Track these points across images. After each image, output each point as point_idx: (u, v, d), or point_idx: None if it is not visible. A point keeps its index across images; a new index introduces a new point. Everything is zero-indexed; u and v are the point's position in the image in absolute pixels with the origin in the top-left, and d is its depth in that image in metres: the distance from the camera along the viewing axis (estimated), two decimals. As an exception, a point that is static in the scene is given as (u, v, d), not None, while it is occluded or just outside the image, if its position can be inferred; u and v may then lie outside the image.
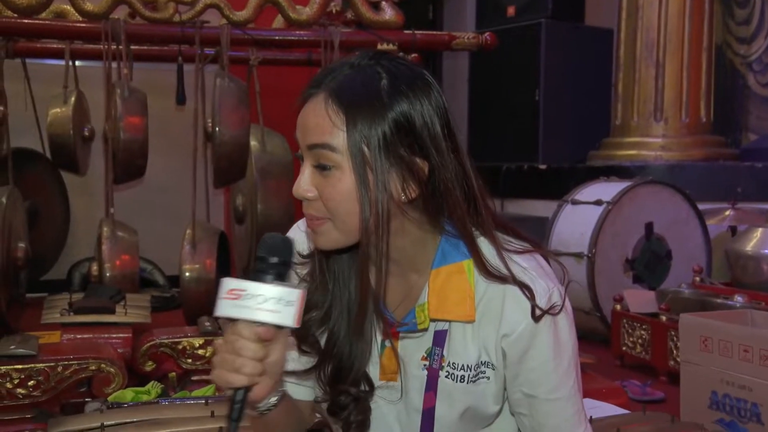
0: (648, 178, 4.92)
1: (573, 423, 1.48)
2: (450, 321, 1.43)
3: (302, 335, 1.47)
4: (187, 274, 4.22)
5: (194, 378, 3.45)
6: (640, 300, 4.10)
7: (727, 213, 4.96)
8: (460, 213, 1.39)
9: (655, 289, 4.26)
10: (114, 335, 3.66)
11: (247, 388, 1.29)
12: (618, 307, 4.12)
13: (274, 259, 1.29)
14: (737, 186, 5.29)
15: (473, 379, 1.45)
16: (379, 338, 1.48)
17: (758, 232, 4.24)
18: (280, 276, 1.29)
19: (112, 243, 4.28)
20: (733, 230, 4.79)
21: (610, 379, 3.52)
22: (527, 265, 1.43)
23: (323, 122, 1.34)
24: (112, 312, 3.85)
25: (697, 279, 4.09)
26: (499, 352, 1.43)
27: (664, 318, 3.82)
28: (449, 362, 1.46)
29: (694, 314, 3.20)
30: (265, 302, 1.25)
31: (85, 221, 5.81)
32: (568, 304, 1.45)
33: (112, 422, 2.13)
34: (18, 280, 4.44)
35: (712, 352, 2.95)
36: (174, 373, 3.41)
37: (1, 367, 3.14)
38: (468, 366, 1.45)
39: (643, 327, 3.93)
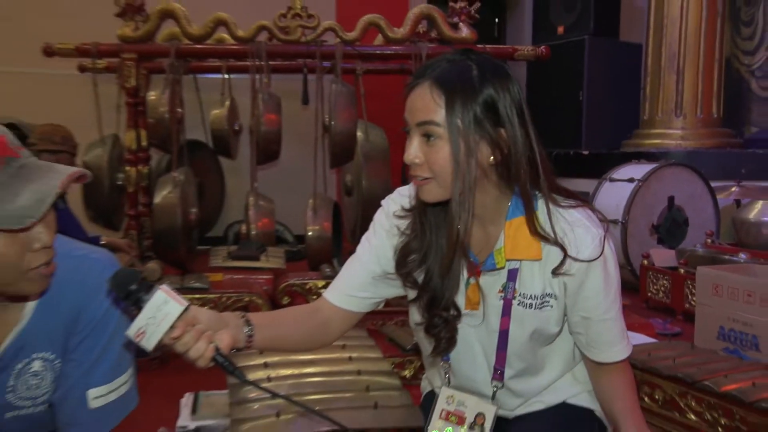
0: (670, 161, 4.89)
1: (619, 337, 1.49)
2: (521, 260, 1.44)
3: (405, 274, 1.50)
4: (311, 233, 4.34)
5: None
6: (663, 257, 4.13)
7: (733, 189, 4.91)
8: (524, 177, 1.39)
9: (675, 248, 4.28)
10: (260, 276, 3.80)
11: (219, 352, 1.27)
12: (645, 262, 4.15)
13: (130, 290, 1.22)
14: (741, 168, 5.30)
15: (539, 306, 1.46)
16: (465, 276, 1.47)
17: (758, 204, 4.23)
18: (138, 302, 1.21)
19: (255, 209, 4.39)
20: (737, 203, 4.73)
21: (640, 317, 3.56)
22: (580, 216, 1.43)
23: (429, 104, 1.36)
24: (258, 260, 4.00)
25: (709, 241, 4.09)
26: (561, 286, 1.44)
27: (682, 271, 3.87)
28: (520, 293, 1.46)
29: (708, 267, 3.25)
30: (156, 321, 1.20)
31: (236, 193, 5.88)
32: (612, 246, 1.46)
33: None
34: (191, 236, 4.55)
35: (721, 297, 3.01)
36: None
37: (186, 297, 3.45)
38: (535, 296, 1.46)
39: (665, 278, 3.96)
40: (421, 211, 1.48)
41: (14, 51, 5.58)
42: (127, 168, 4.29)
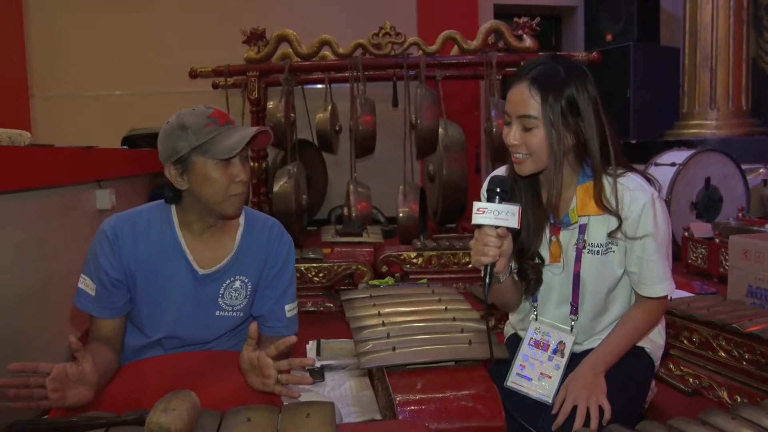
0: (707, 147, 4.91)
1: (664, 276, 1.55)
2: (589, 216, 1.55)
3: None
4: (401, 214, 4.41)
5: (411, 276, 3.67)
6: (701, 229, 4.15)
7: (761, 170, 4.96)
8: (596, 156, 1.50)
9: (711, 222, 4.26)
10: (363, 249, 3.98)
11: (492, 265, 1.42)
12: (686, 234, 4.18)
13: (498, 189, 1.42)
14: (767, 152, 5.23)
15: (604, 252, 1.56)
16: (548, 234, 1.60)
17: None
18: (503, 199, 1.41)
19: (355, 195, 4.50)
20: (765, 182, 4.73)
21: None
22: (638, 180, 1.54)
23: (528, 100, 1.46)
24: (360, 236, 4.18)
25: (740, 215, 4.09)
26: (625, 234, 1.53)
27: (717, 240, 3.91)
28: (589, 242, 1.57)
29: (739, 236, 3.28)
30: (498, 214, 1.39)
31: (337, 183, 6.03)
32: (662, 203, 1.55)
33: (377, 294, 2.18)
34: (303, 218, 4.68)
35: (749, 260, 3.04)
36: (398, 274, 3.70)
37: (305, 265, 3.48)
38: (600, 244, 1.56)
39: (703, 247, 3.99)
40: (515, 183, 1.60)
41: (161, 76, 5.91)
42: (251, 163, 4.44)
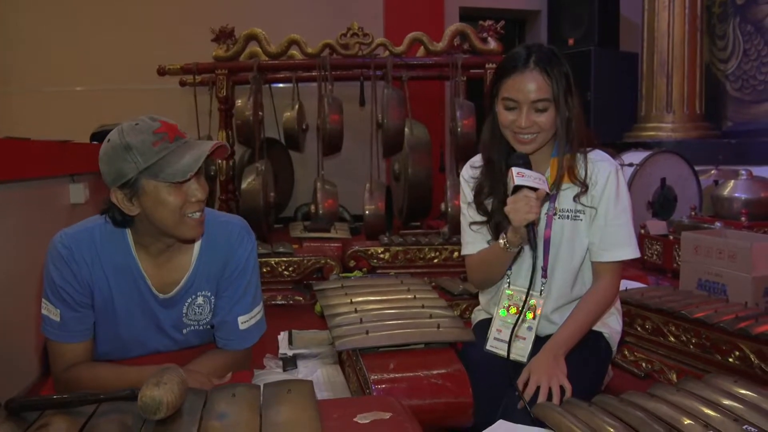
0: (663, 149, 4.99)
1: (626, 241, 1.66)
2: (561, 185, 1.68)
3: (479, 202, 1.76)
4: (368, 211, 4.43)
5: (378, 271, 3.69)
6: (657, 227, 4.20)
7: (713, 172, 5.02)
8: (571, 133, 1.63)
9: (666, 220, 4.33)
10: (331, 244, 4.01)
11: (535, 222, 1.56)
12: (642, 231, 4.16)
13: (522, 157, 1.60)
14: (719, 154, 5.42)
15: (573, 218, 1.69)
16: None
17: (731, 183, 4.28)
18: (528, 166, 1.60)
19: (322, 192, 4.47)
20: (716, 183, 4.76)
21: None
22: (603, 154, 1.69)
23: (541, 85, 1.57)
24: (329, 231, 4.23)
25: (693, 213, 4.20)
26: (591, 200, 1.66)
27: (671, 237, 3.94)
28: (560, 209, 1.69)
29: (690, 232, 3.36)
30: (535, 179, 1.57)
31: (303, 181, 5.99)
32: (623, 175, 1.71)
33: (348, 284, 2.26)
34: (270, 215, 4.68)
35: (699, 255, 3.11)
36: (366, 269, 3.72)
37: (275, 259, 3.50)
38: (570, 210, 1.69)
39: (658, 243, 4.04)
40: (489, 164, 1.74)
41: (128, 73, 5.85)
42: (219, 161, 4.43)
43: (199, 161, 1.37)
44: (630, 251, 1.68)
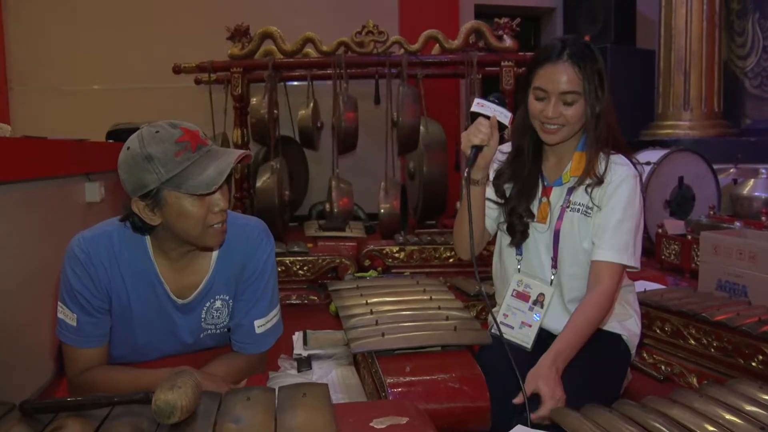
0: (680, 147, 4.97)
1: (625, 247, 1.62)
2: (578, 178, 1.68)
3: (497, 184, 1.78)
4: (383, 210, 4.45)
5: (393, 270, 3.68)
6: (674, 226, 4.18)
7: (731, 170, 5.03)
8: (599, 129, 1.63)
9: (684, 219, 4.30)
10: (347, 243, 4.00)
11: (479, 148, 1.57)
12: (660, 231, 4.19)
13: (497, 96, 1.60)
14: (738, 153, 5.37)
15: (585, 212, 1.68)
16: (539, 195, 1.74)
17: (751, 182, 4.28)
18: (500, 104, 1.59)
19: (337, 191, 4.50)
20: (735, 181, 4.78)
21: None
22: (625, 160, 1.67)
23: (572, 77, 1.58)
24: (344, 230, 4.21)
25: (711, 212, 4.16)
26: (599, 200, 1.65)
27: (689, 237, 3.92)
28: (573, 202, 1.69)
29: (710, 232, 3.34)
30: (494, 110, 1.57)
31: (318, 179, 6.01)
32: (640, 185, 1.67)
33: (363, 285, 2.23)
34: (285, 213, 4.70)
35: (719, 255, 3.11)
36: (381, 268, 3.70)
37: (290, 258, 3.51)
38: (582, 204, 1.68)
39: (676, 243, 4.02)
40: (517, 152, 1.76)
41: (144, 71, 5.90)
42: None
43: (223, 174, 1.33)
44: (627, 258, 1.64)
